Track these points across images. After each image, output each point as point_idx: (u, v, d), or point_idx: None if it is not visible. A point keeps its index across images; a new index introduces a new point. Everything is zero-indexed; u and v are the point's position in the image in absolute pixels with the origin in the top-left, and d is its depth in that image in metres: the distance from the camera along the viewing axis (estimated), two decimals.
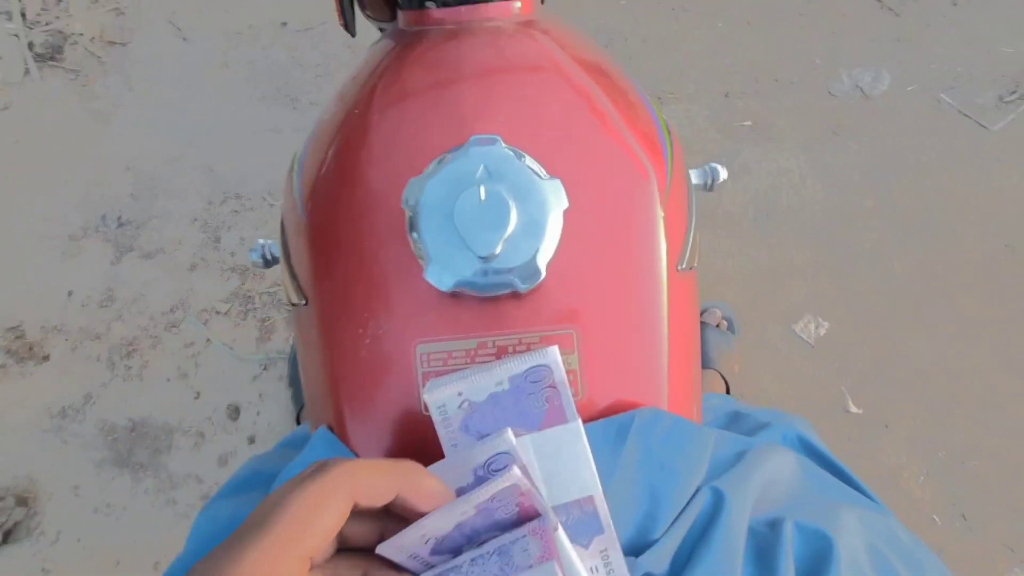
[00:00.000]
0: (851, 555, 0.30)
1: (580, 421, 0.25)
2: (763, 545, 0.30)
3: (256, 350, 1.01)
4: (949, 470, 0.97)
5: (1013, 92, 1.16)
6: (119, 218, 1.06)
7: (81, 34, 1.17)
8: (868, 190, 1.10)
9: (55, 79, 1.14)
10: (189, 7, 1.17)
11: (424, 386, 0.26)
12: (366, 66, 0.33)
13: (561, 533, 0.23)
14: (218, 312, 1.02)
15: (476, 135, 0.26)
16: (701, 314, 1.01)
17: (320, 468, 0.20)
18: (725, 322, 0.99)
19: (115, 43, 1.16)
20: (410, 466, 0.22)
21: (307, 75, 1.15)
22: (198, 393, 0.99)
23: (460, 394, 0.25)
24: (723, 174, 0.53)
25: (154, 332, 1.01)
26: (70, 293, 1.03)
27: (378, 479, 0.21)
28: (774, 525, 0.31)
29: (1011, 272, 1.06)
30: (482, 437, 0.25)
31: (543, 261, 0.25)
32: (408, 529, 0.22)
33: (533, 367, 0.25)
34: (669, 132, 0.33)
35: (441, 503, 0.22)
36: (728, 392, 0.94)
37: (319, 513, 0.19)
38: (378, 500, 0.21)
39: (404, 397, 0.27)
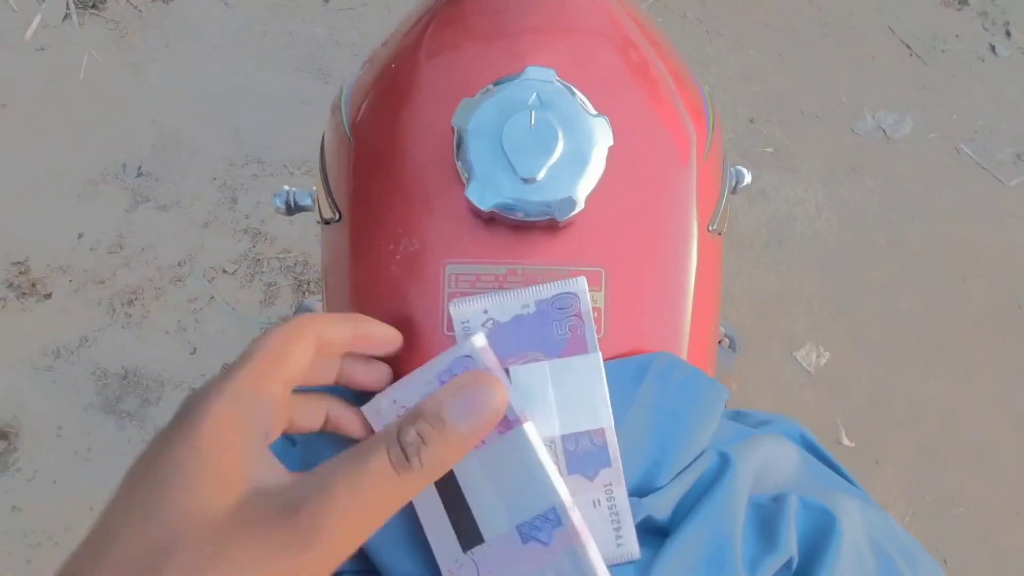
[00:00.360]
0: (853, 536, 0.30)
1: (600, 353, 0.25)
2: (766, 516, 0.30)
3: (259, 313, 1.01)
4: (936, 513, 0.97)
5: None
6: (139, 168, 1.07)
7: None
8: (881, 228, 1.11)
9: (94, 27, 1.16)
10: None
11: (453, 299, 0.26)
12: (420, 6, 0.33)
13: (530, 426, 0.23)
14: (225, 271, 1.02)
15: (531, 65, 0.26)
16: None
17: (285, 319, 0.23)
18: (727, 340, 0.99)
19: (158, 0, 1.18)
20: (362, 316, 0.25)
21: (343, 52, 1.16)
22: (195, 349, 0.98)
23: (486, 312, 0.25)
24: (748, 177, 0.54)
25: (159, 283, 1.01)
26: (80, 235, 1.03)
27: (335, 326, 0.23)
28: (778, 499, 0.31)
29: (1016, 326, 1.06)
30: (502, 359, 0.25)
31: (583, 193, 0.25)
32: (380, 394, 0.24)
33: (561, 294, 0.25)
34: (712, 104, 0.34)
35: (392, 348, 0.25)
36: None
37: (291, 347, 0.21)
38: (336, 344, 0.23)
39: (428, 315, 0.27)
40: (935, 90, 1.21)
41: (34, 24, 1.15)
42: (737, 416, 0.53)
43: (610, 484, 0.25)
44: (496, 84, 0.26)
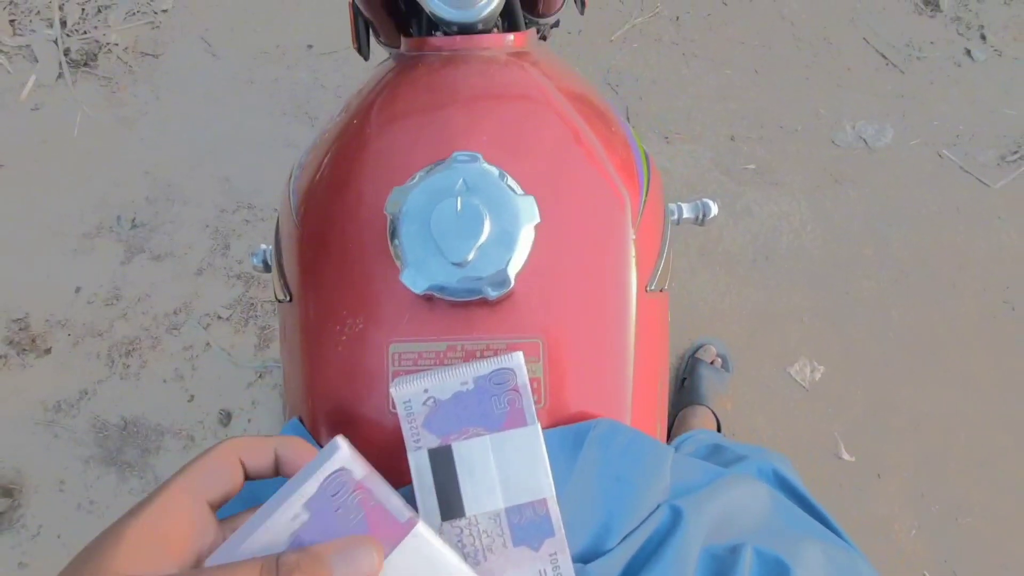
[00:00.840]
0: None
1: (539, 425, 0.26)
2: (720, 568, 0.30)
3: (253, 357, 1.02)
4: (942, 525, 0.95)
5: (1015, 152, 1.18)
6: (133, 220, 1.09)
7: (116, 44, 1.22)
8: (868, 239, 1.11)
9: (86, 84, 1.19)
10: (221, 25, 1.23)
11: (396, 379, 0.27)
12: (367, 85, 0.35)
13: (421, 526, 0.24)
14: (220, 317, 1.04)
15: (458, 151, 0.27)
16: (696, 351, 1.01)
17: (214, 445, 0.24)
18: (720, 359, 0.99)
19: (147, 54, 1.22)
20: (288, 440, 0.25)
21: (327, 95, 1.19)
22: (192, 396, 1.00)
23: (426, 391, 0.26)
24: (714, 209, 0.55)
25: (156, 333, 1.03)
26: (78, 289, 1.05)
27: (258, 442, 0.24)
28: (735, 550, 0.31)
29: (1010, 329, 1.06)
30: (444, 435, 0.26)
31: (513, 271, 0.26)
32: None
33: (498, 369, 0.26)
34: (648, 161, 0.35)
35: (310, 457, 0.25)
36: (719, 430, 0.93)
37: (212, 468, 0.23)
38: (261, 459, 0.24)
39: (374, 394, 0.28)
40: (913, 98, 1.21)
41: (29, 84, 1.19)
42: (714, 451, 0.53)
43: (555, 553, 0.26)
44: (426, 170, 0.27)
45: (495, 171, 0.27)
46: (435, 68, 0.32)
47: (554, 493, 0.26)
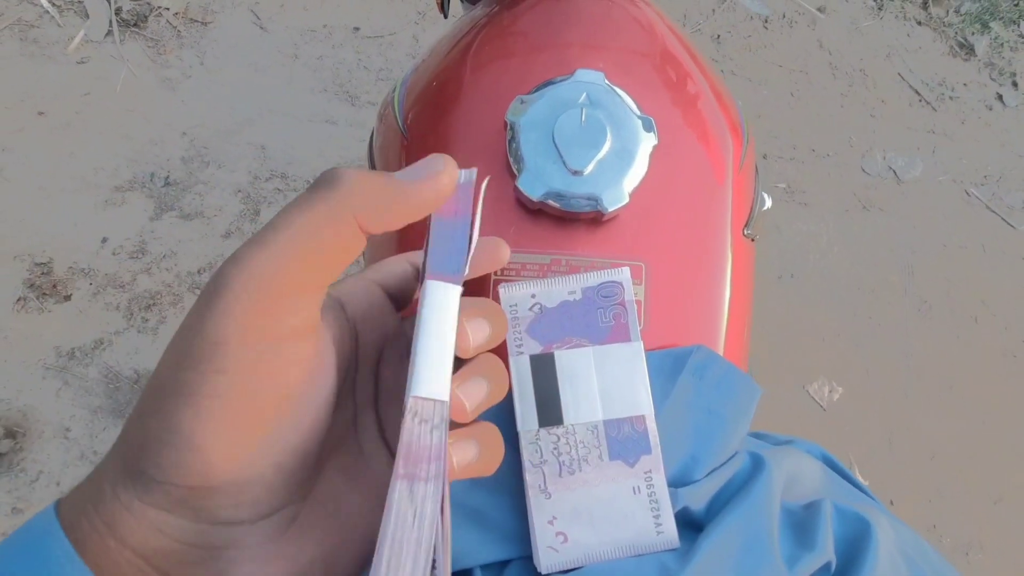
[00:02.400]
0: (887, 546, 0.30)
1: (642, 343, 0.26)
2: (800, 520, 0.30)
3: None
4: (952, 559, 0.94)
5: None
6: (167, 178, 1.10)
7: (167, 8, 1.24)
8: (893, 266, 1.12)
9: (134, 44, 1.21)
10: (272, 1, 1.25)
11: (502, 283, 0.27)
12: (477, 13, 0.35)
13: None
14: None
15: (581, 68, 0.28)
16: None
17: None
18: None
19: (196, 21, 1.24)
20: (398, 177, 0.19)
21: (370, 77, 1.21)
22: None
23: (533, 296, 0.26)
24: (768, 202, 0.55)
25: (177, 291, 1.02)
26: (104, 240, 1.05)
27: (379, 194, 0.18)
28: (811, 506, 0.31)
29: None
30: (547, 343, 0.26)
31: (628, 188, 0.27)
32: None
33: (607, 282, 0.26)
34: (749, 129, 0.36)
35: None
36: None
37: (323, 245, 0.17)
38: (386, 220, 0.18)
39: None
40: (944, 135, 1.23)
41: (77, 38, 1.21)
42: (758, 436, 0.53)
43: (650, 471, 0.25)
44: (548, 84, 0.28)
45: (617, 91, 0.27)
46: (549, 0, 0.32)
47: (653, 411, 0.25)
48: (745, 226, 0.31)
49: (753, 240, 0.33)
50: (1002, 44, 1.31)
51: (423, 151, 0.30)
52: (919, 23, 1.32)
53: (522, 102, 0.27)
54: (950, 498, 0.97)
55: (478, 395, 0.18)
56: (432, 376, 0.17)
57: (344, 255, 0.17)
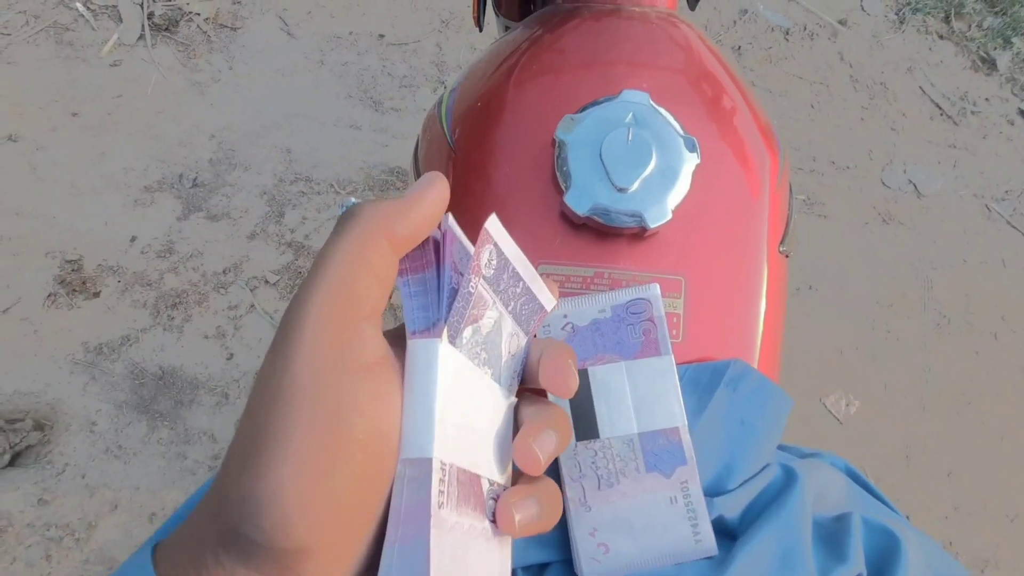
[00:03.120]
0: (916, 560, 0.31)
1: (672, 356, 0.27)
2: (830, 532, 0.31)
3: None
4: None
5: None
6: (195, 179, 1.12)
7: (198, 14, 1.27)
8: (912, 280, 1.12)
9: (165, 48, 1.24)
10: (300, 7, 1.28)
11: None
12: (524, 30, 0.37)
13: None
14: (267, 282, 1.05)
15: (627, 89, 0.29)
16: None
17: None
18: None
19: (226, 27, 1.27)
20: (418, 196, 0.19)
21: (394, 83, 1.23)
22: (231, 355, 1.01)
23: (565, 316, 0.27)
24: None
25: (203, 289, 1.04)
26: (133, 238, 1.07)
27: (406, 216, 0.19)
28: (840, 519, 0.32)
29: None
30: (580, 360, 0.27)
31: (672, 205, 0.28)
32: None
33: (635, 299, 0.27)
34: (784, 146, 0.37)
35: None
36: None
37: (358, 278, 0.17)
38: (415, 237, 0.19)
39: None
40: (965, 149, 1.23)
41: (111, 42, 1.24)
42: (784, 449, 0.53)
43: (686, 481, 0.26)
44: (595, 104, 0.29)
45: (663, 110, 0.28)
46: (596, 18, 0.34)
47: (686, 423, 0.26)
48: (780, 242, 0.32)
49: (787, 256, 0.34)
50: None
51: (471, 166, 0.32)
52: (941, 37, 1.32)
53: (571, 120, 0.28)
54: (966, 515, 0.97)
55: (549, 447, 0.19)
56: (419, 437, 0.17)
57: (387, 276, 0.18)
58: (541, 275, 0.28)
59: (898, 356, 1.06)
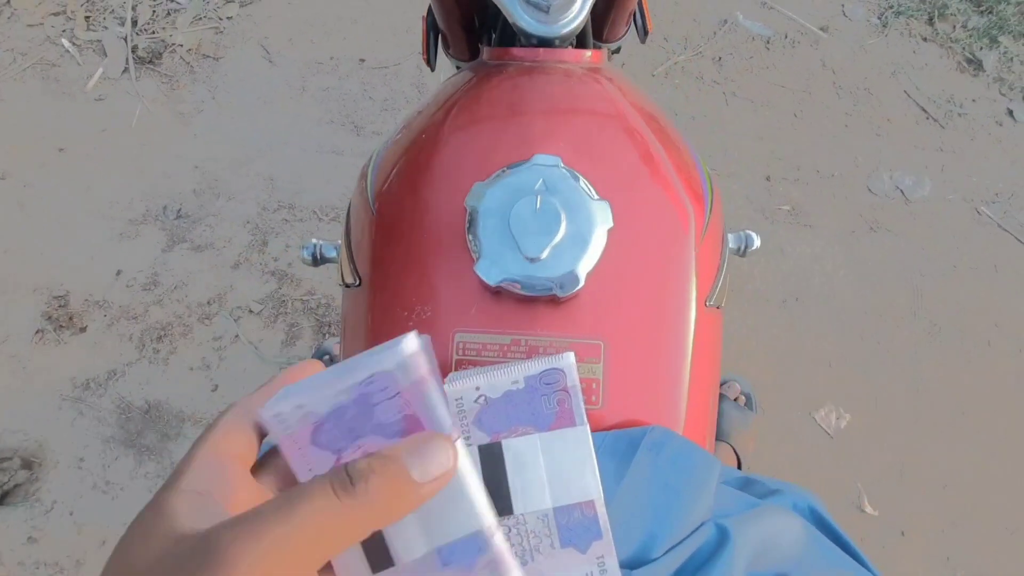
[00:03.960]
0: None
1: (588, 426, 0.26)
2: None
3: (280, 353, 1.03)
4: None
5: None
6: (179, 210, 1.13)
7: (180, 45, 1.29)
8: (901, 288, 1.10)
9: (149, 80, 1.25)
10: (280, 35, 1.29)
11: (448, 375, 0.27)
12: (448, 87, 0.36)
13: (459, 443, 0.22)
14: (251, 311, 1.06)
15: (539, 153, 0.29)
16: (720, 386, 1.00)
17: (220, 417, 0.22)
18: (744, 397, 0.98)
19: (208, 57, 1.28)
20: (296, 366, 0.23)
21: (375, 107, 1.23)
22: (216, 386, 1.01)
23: (478, 388, 0.26)
24: (756, 242, 0.55)
25: (188, 321, 1.05)
26: (119, 272, 1.08)
27: (264, 394, 0.22)
28: None
29: None
30: (494, 432, 0.26)
31: (583, 271, 0.27)
32: (282, 394, 0.22)
33: (548, 369, 0.26)
34: (711, 182, 0.36)
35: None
36: (740, 468, 0.92)
37: (234, 434, 0.21)
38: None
39: None
40: (953, 152, 1.22)
41: (95, 76, 1.26)
42: (747, 484, 0.53)
43: (602, 556, 0.25)
44: (507, 168, 0.29)
45: (573, 175, 0.28)
46: (517, 76, 0.33)
47: (602, 495, 0.26)
48: (708, 297, 0.32)
49: (719, 308, 0.34)
50: (1012, 58, 1.29)
51: (390, 230, 0.31)
52: (925, 39, 1.31)
53: (481, 188, 0.28)
54: (964, 528, 0.95)
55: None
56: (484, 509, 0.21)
57: (249, 455, 0.20)
58: (458, 343, 0.27)
59: (889, 367, 1.04)
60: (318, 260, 0.55)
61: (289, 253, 1.10)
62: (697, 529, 0.30)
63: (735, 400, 0.98)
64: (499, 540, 0.22)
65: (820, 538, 0.40)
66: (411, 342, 0.22)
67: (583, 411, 0.26)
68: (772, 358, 1.04)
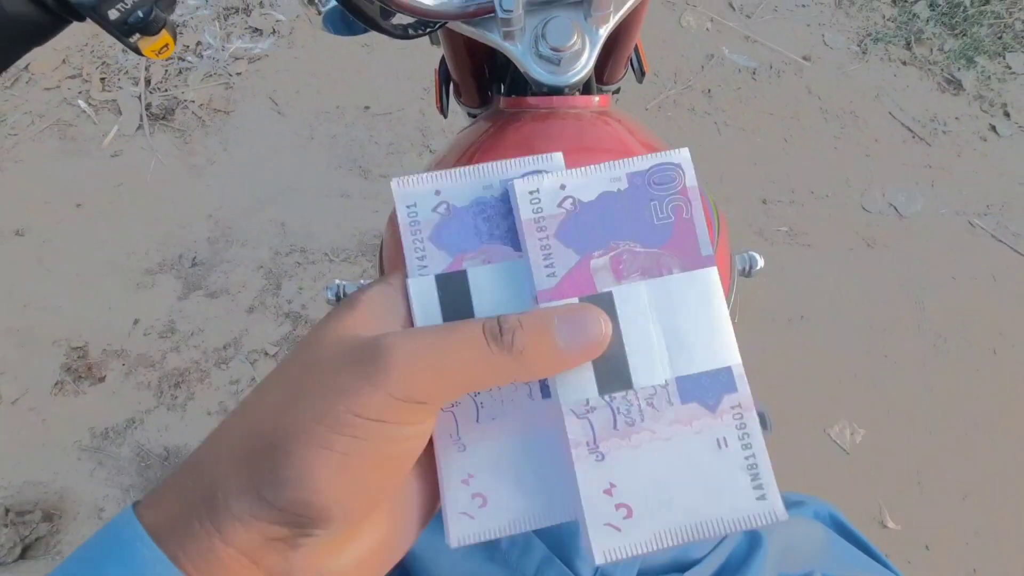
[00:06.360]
0: None
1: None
2: None
3: None
4: None
5: None
6: (194, 258, 1.16)
7: (192, 101, 1.34)
8: (903, 302, 1.12)
9: (162, 136, 1.30)
10: (288, 88, 1.35)
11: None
12: (471, 134, 0.39)
13: (715, 271, 0.19)
14: (267, 354, 1.07)
15: None
16: None
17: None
18: (757, 417, 0.99)
19: (220, 111, 1.33)
20: None
21: (380, 151, 1.28)
22: None
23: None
24: (760, 262, 0.58)
25: (204, 366, 1.06)
26: (136, 321, 1.10)
27: None
28: None
29: None
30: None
31: None
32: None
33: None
34: (717, 209, 0.38)
35: None
36: None
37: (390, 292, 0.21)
38: None
39: None
40: (942, 168, 1.26)
41: (111, 134, 1.31)
42: None
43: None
44: None
45: None
46: (533, 121, 0.36)
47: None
48: None
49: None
50: (989, 77, 1.35)
51: None
52: (904, 63, 1.37)
53: None
54: (988, 539, 0.94)
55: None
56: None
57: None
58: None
59: (898, 380, 1.05)
60: (341, 300, 0.57)
61: (303, 295, 1.13)
62: (726, 536, 0.31)
63: None
64: (746, 384, 0.19)
65: (842, 542, 0.41)
66: (687, 151, 0.20)
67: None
68: (782, 376, 1.05)
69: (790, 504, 0.49)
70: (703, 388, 0.19)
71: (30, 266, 1.16)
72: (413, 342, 0.18)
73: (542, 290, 0.20)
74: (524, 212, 0.20)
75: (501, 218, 0.21)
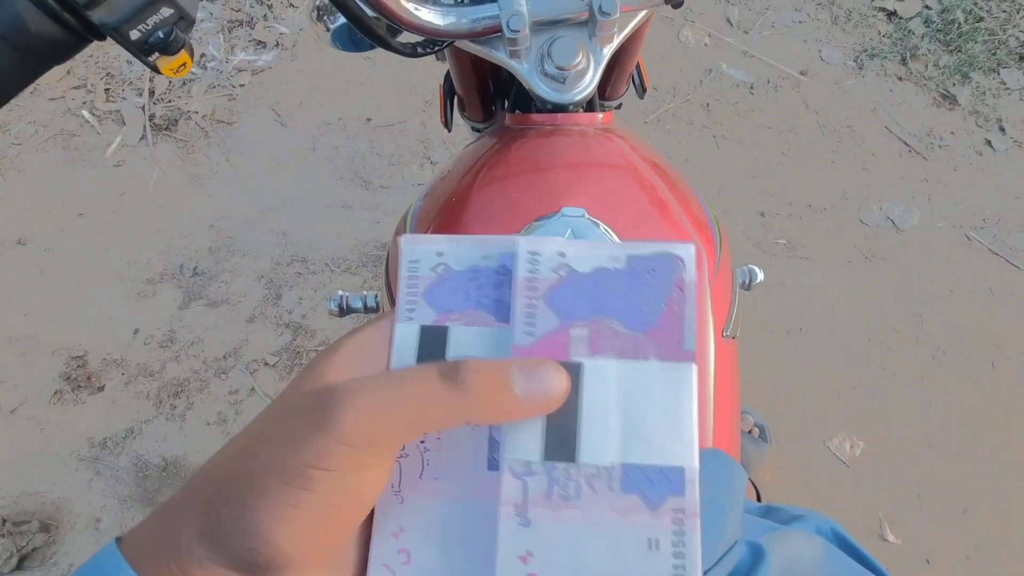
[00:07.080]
0: None
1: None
2: None
3: None
4: None
5: None
6: (195, 268, 1.17)
7: (195, 112, 1.35)
8: (901, 315, 1.13)
9: (165, 146, 1.31)
10: (291, 100, 1.36)
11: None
12: (476, 149, 0.40)
13: (694, 370, 0.19)
14: (267, 364, 1.07)
15: (566, 206, 0.32)
16: None
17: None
18: (757, 430, 0.99)
19: (222, 122, 1.34)
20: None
21: (382, 163, 1.29)
22: None
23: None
24: (760, 275, 0.58)
25: (204, 376, 1.06)
26: (136, 331, 1.10)
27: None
28: None
29: None
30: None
31: None
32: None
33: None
34: (719, 224, 0.39)
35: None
36: (759, 500, 0.91)
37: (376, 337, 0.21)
38: None
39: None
40: (938, 182, 1.27)
41: (114, 144, 1.32)
42: (769, 512, 0.54)
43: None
44: (538, 220, 0.32)
45: (597, 223, 0.31)
46: (538, 138, 0.37)
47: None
48: (724, 328, 0.34)
49: (734, 338, 0.36)
50: (984, 92, 1.37)
51: None
52: (900, 79, 1.38)
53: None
54: (989, 552, 0.94)
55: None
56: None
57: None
58: None
59: (897, 393, 1.06)
60: (344, 311, 0.58)
61: (303, 305, 1.13)
62: (732, 547, 0.31)
63: (748, 432, 0.98)
64: (697, 490, 0.18)
65: (841, 557, 0.41)
66: (693, 246, 0.20)
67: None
68: (782, 389, 1.06)
69: (791, 518, 0.49)
70: (649, 482, 0.19)
71: (31, 275, 1.16)
72: (366, 385, 0.18)
73: (517, 345, 0.20)
74: (520, 270, 0.20)
75: (491, 288, 0.21)
